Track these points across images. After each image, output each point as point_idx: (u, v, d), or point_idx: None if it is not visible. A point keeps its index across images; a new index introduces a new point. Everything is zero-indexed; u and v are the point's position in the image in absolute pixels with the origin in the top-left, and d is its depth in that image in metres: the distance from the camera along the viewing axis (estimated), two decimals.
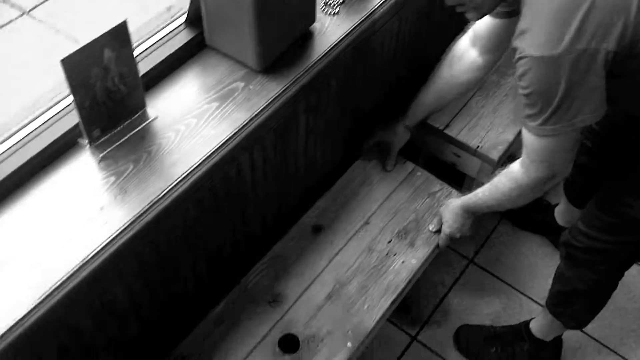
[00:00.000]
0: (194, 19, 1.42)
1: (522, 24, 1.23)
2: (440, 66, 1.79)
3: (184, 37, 1.41)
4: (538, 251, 2.32)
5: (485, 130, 2.01)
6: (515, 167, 1.46)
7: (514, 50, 1.25)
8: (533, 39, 1.20)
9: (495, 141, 1.98)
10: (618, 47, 1.17)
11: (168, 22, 1.41)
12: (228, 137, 1.31)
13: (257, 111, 1.36)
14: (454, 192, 1.89)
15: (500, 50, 1.67)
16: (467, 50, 1.72)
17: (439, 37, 2.13)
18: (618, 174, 1.57)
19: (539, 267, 2.28)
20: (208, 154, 1.28)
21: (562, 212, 2.26)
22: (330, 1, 1.59)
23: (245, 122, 1.34)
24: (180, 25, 1.42)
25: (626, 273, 1.74)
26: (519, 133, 1.90)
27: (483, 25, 1.63)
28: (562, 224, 2.25)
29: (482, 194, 1.61)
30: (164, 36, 1.39)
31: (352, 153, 1.95)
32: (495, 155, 1.96)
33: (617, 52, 1.17)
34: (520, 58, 1.22)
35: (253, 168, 1.49)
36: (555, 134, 1.28)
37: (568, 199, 2.17)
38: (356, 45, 1.58)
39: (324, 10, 1.58)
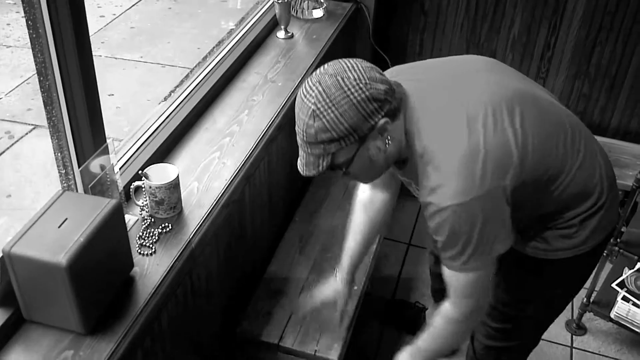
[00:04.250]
0: (6, 295, 1.27)
1: (431, 182, 1.33)
2: (355, 215, 1.81)
3: None
4: None
5: (317, 332, 2.00)
6: (446, 306, 1.51)
7: (426, 205, 1.35)
8: (448, 191, 1.31)
9: (331, 340, 1.97)
10: (513, 181, 1.34)
11: None
12: None
13: None
14: None
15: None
16: (373, 193, 1.77)
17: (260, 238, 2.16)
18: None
19: None
20: None
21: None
22: (145, 242, 1.54)
23: None
24: None
25: None
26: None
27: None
28: None
29: (422, 342, 1.60)
30: None
31: None
32: (334, 355, 1.93)
33: (514, 186, 1.35)
34: (437, 211, 1.33)
35: None
36: (478, 267, 1.40)
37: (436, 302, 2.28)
38: (180, 280, 1.53)
39: (140, 252, 1.52)
